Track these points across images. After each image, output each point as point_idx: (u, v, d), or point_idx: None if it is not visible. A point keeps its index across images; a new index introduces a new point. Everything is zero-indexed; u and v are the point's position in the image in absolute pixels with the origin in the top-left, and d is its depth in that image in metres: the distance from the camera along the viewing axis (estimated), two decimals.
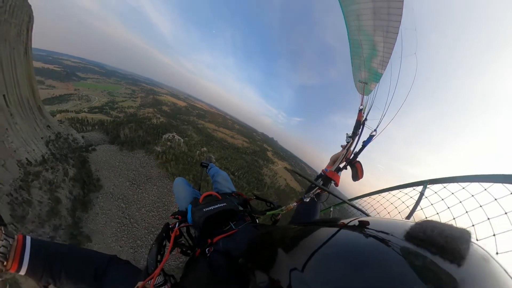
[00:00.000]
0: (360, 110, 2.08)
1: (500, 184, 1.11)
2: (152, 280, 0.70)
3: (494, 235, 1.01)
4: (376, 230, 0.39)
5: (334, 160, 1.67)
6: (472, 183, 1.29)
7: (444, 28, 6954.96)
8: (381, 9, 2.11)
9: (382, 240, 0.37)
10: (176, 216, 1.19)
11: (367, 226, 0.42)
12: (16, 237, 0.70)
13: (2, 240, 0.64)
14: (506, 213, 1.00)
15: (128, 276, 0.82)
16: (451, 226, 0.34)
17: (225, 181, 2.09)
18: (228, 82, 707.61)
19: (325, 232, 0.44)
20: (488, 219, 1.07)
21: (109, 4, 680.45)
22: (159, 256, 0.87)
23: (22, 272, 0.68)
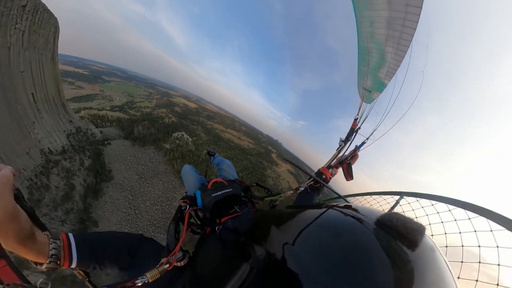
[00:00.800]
0: (356, 119, 2.17)
1: (461, 209, 1.28)
2: (174, 256, 0.75)
3: (446, 246, 1.23)
4: (354, 213, 0.46)
5: (332, 159, 1.83)
6: (440, 203, 1.42)
7: (452, 26, 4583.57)
8: (396, 19, 2.00)
9: (358, 220, 0.44)
10: (185, 200, 1.25)
11: (347, 209, 0.49)
12: (60, 237, 0.73)
13: (51, 244, 0.67)
14: (460, 232, 1.23)
15: (154, 252, 0.88)
16: (411, 220, 0.42)
17: (229, 169, 2.15)
18: (236, 86, 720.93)
19: (312, 212, 0.51)
20: (445, 233, 1.28)
21: (131, 19, 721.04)
22: (176, 235, 0.93)
23: (73, 265, 0.72)
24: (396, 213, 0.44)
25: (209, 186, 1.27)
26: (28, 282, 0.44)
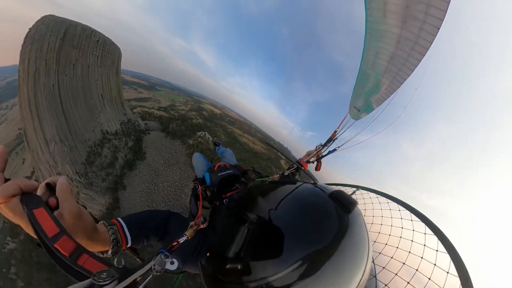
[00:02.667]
0: (335, 131, 2.35)
1: (404, 209, 1.44)
2: (199, 219, 0.84)
3: (378, 233, 1.47)
4: (317, 188, 0.64)
5: (308, 154, 2.09)
6: (391, 202, 1.59)
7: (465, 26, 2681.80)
8: (399, 57, 1.97)
9: (319, 192, 0.61)
10: (196, 181, 1.41)
11: (313, 185, 0.66)
12: (114, 223, 0.76)
13: (110, 230, 0.70)
14: (403, 229, 1.39)
15: (181, 222, 0.98)
16: (350, 196, 0.58)
17: (231, 156, 2.36)
18: (254, 98, 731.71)
19: (289, 187, 0.65)
20: (381, 224, 1.50)
21: (176, 49, 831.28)
22: (196, 205, 1.11)
23: (129, 244, 0.76)
24: (342, 191, 0.60)
25: (215, 168, 1.46)
26: (112, 265, 0.46)
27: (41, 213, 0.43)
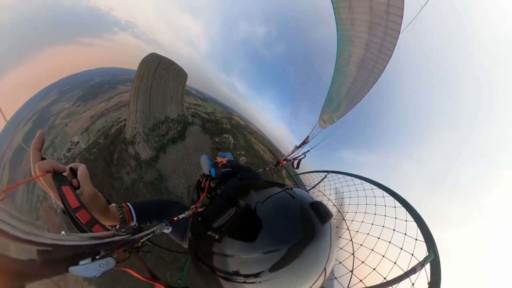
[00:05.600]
0: (307, 136, 2.39)
1: (378, 190, 1.28)
2: (198, 204, 0.85)
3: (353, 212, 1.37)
4: (299, 194, 0.60)
5: (288, 155, 2.12)
6: (364, 182, 1.45)
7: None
8: (358, 81, 1.93)
9: (300, 198, 0.58)
10: (202, 176, 1.48)
11: (297, 191, 0.62)
12: (123, 206, 0.78)
13: (119, 211, 0.73)
14: (377, 211, 1.24)
15: (182, 209, 0.95)
16: (328, 209, 0.54)
17: (231, 158, 2.39)
18: (269, 116, 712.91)
19: (277, 189, 0.63)
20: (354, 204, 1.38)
21: (222, 80, 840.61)
22: (198, 194, 1.16)
23: (133, 223, 0.78)
24: (323, 204, 0.56)
25: (219, 166, 1.56)
26: (119, 234, 0.49)
27: (66, 190, 0.49)
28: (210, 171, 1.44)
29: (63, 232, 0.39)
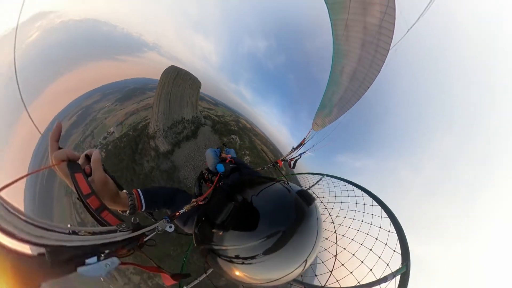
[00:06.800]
0: (304, 139, 2.49)
1: (362, 195, 1.31)
2: (200, 199, 0.81)
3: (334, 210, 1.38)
4: (289, 185, 0.63)
5: (285, 156, 2.11)
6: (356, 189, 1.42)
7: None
8: (349, 90, 1.94)
9: (290, 188, 0.60)
10: (207, 170, 1.44)
11: (287, 184, 0.65)
12: (133, 192, 0.76)
13: (129, 197, 0.72)
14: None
15: (187, 199, 0.96)
16: (311, 194, 0.57)
17: (234, 154, 2.33)
18: (272, 121, 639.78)
19: (271, 182, 0.65)
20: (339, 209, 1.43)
21: (231, 88, 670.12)
22: (199, 188, 1.13)
23: (143, 209, 0.78)
24: (307, 191, 0.59)
25: (227, 162, 1.49)
26: (123, 221, 0.49)
27: (79, 177, 0.49)
28: (217, 167, 1.36)
29: (69, 225, 0.39)
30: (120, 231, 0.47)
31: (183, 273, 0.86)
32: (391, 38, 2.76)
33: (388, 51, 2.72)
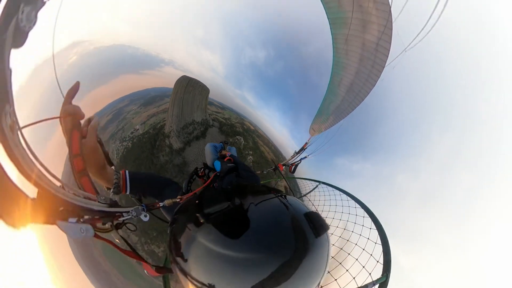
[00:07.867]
0: (306, 143, 2.42)
1: (355, 206, 1.27)
2: (185, 197, 0.71)
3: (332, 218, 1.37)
4: (294, 203, 0.49)
5: (287, 161, 2.08)
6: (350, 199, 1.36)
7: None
8: (345, 101, 1.92)
9: (295, 207, 0.47)
10: (204, 166, 1.29)
11: (292, 199, 0.51)
12: (120, 172, 0.69)
13: (115, 175, 0.65)
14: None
15: (175, 191, 0.87)
16: (324, 221, 0.43)
17: (235, 153, 2.14)
18: (274, 123, 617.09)
19: (271, 196, 0.52)
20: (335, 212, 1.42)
21: (235, 94, 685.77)
22: (189, 184, 0.98)
23: (128, 192, 0.69)
24: (319, 215, 0.45)
25: (225, 160, 1.35)
26: (98, 193, 0.44)
27: (75, 135, 0.47)
28: (214, 164, 1.24)
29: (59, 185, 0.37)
30: (99, 202, 0.45)
31: (168, 267, 0.72)
32: (387, 56, 2.84)
33: (384, 67, 2.77)
